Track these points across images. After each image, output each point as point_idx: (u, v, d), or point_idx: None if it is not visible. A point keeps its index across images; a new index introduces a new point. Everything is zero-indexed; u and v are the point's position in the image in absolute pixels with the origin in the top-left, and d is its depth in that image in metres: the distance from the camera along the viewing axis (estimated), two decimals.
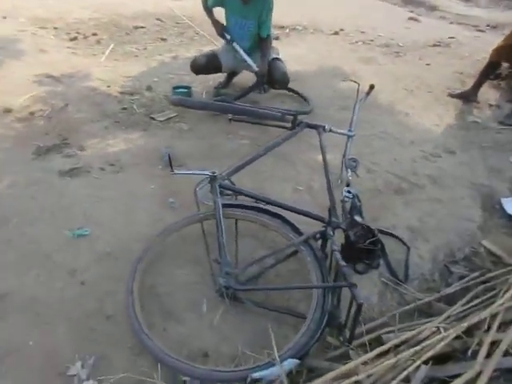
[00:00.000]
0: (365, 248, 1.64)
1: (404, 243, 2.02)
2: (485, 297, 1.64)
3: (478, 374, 1.25)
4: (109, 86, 3.32)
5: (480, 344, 1.35)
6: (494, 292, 1.66)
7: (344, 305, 1.51)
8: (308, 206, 1.97)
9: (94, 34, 4.55)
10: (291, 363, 1.35)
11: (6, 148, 2.48)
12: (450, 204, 2.35)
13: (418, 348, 1.32)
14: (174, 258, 1.83)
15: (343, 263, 1.51)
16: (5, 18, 4.66)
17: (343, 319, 1.50)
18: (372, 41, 5.08)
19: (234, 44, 3.14)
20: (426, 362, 1.29)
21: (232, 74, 3.50)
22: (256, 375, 1.31)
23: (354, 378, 1.23)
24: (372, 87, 2.37)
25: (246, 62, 3.15)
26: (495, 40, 3.71)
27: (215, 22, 3.18)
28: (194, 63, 3.24)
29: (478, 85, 3.62)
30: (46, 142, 2.55)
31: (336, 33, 5.28)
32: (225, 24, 3.17)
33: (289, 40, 4.91)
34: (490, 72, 3.65)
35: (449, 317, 1.54)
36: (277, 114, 2.40)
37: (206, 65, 3.22)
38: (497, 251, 2.01)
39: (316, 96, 3.38)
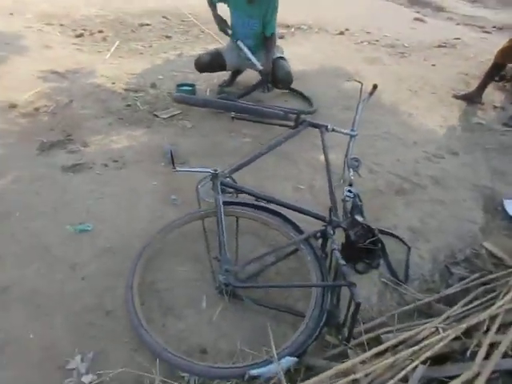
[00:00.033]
0: (365, 248, 1.64)
1: (404, 243, 2.02)
2: (485, 298, 1.63)
3: (476, 375, 1.24)
4: (113, 83, 3.34)
5: (479, 345, 1.34)
6: (494, 294, 1.65)
7: (343, 304, 1.51)
8: (309, 205, 1.97)
9: (100, 31, 4.57)
10: (289, 361, 1.35)
11: (11, 143, 2.50)
12: (452, 205, 2.35)
13: (416, 348, 1.32)
14: (174, 255, 1.83)
15: (343, 262, 1.51)
16: (12, 14, 4.70)
17: (342, 318, 1.50)
18: (377, 41, 5.07)
19: (239, 42, 3.15)
20: (424, 362, 1.29)
21: (236, 73, 3.50)
22: (254, 372, 1.31)
23: (351, 377, 1.24)
24: (375, 87, 2.36)
25: (250, 60, 3.16)
26: (501, 41, 3.67)
27: (217, 17, 3.18)
28: (198, 61, 3.25)
29: (482, 86, 3.60)
30: (50, 137, 2.57)
31: (341, 33, 5.27)
32: (229, 22, 3.17)
33: (294, 39, 4.91)
34: (494, 73, 3.63)
35: (448, 318, 1.53)
36: (280, 112, 2.40)
37: (210, 63, 3.23)
38: (498, 253, 2.00)
39: (320, 95, 3.38)
